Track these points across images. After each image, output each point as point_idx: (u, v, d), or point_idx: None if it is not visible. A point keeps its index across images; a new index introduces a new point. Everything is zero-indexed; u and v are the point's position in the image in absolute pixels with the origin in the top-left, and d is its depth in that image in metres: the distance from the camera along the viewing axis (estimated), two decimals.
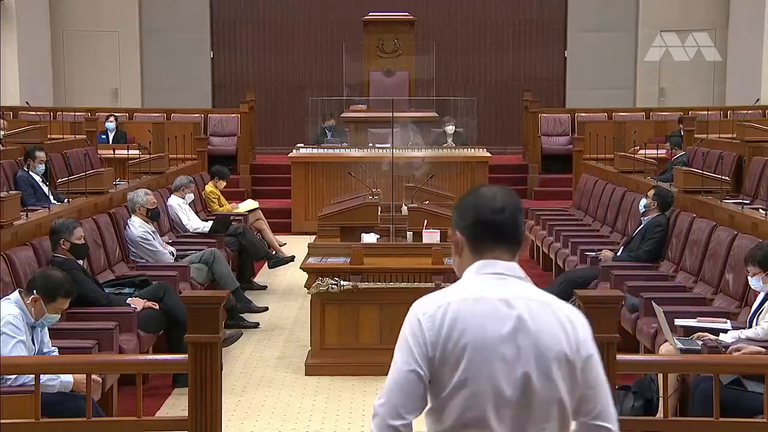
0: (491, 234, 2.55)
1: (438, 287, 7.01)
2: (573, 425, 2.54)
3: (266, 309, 9.14)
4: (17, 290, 5.40)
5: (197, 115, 17.43)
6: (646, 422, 4.87)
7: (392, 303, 7.10)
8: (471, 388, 2.46)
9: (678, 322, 6.26)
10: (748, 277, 5.93)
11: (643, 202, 8.59)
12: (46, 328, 5.43)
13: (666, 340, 5.99)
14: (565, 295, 8.32)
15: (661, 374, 4.63)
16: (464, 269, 2.59)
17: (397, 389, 2.56)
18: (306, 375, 7.15)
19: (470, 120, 16.15)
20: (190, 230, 10.08)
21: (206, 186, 11.70)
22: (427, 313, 2.51)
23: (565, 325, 2.52)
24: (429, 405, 2.54)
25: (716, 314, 6.48)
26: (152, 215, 8.67)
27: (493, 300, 2.50)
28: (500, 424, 2.45)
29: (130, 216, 8.60)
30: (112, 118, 15.68)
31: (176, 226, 10.18)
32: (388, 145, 13.33)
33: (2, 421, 4.15)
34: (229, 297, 7.93)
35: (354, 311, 7.16)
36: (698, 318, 6.35)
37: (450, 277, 7.02)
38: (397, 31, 17.09)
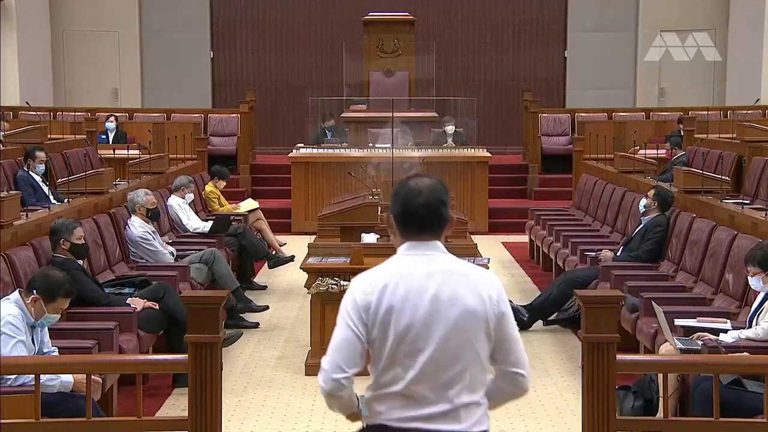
0: (415, 224, 3.08)
1: None
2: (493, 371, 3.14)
3: (266, 308, 9.14)
4: (17, 290, 5.40)
5: (197, 115, 17.45)
6: (646, 422, 4.87)
7: None
8: (400, 347, 3.01)
9: (678, 322, 6.26)
10: (748, 277, 5.93)
11: (644, 202, 8.60)
12: (46, 328, 5.43)
13: (666, 340, 5.99)
14: (565, 295, 8.38)
15: (661, 374, 4.62)
16: (397, 247, 3.13)
17: (341, 349, 3.03)
18: (306, 375, 7.14)
19: (470, 120, 16.15)
20: (190, 230, 10.08)
21: (206, 186, 11.70)
22: (362, 288, 3.05)
23: (480, 291, 3.04)
24: (371, 365, 3.07)
25: (716, 314, 6.48)
26: (152, 215, 8.67)
27: (417, 273, 3.03)
28: (422, 373, 2.99)
29: (130, 216, 8.60)
30: (112, 118, 15.68)
31: (176, 226, 10.18)
32: (388, 145, 13.36)
33: (2, 421, 4.15)
34: (229, 297, 7.93)
35: None
36: (698, 318, 6.35)
37: None
38: (397, 31, 17.09)
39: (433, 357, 3.01)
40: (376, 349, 3.04)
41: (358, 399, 3.10)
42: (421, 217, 3.06)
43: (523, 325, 8.43)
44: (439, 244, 3.09)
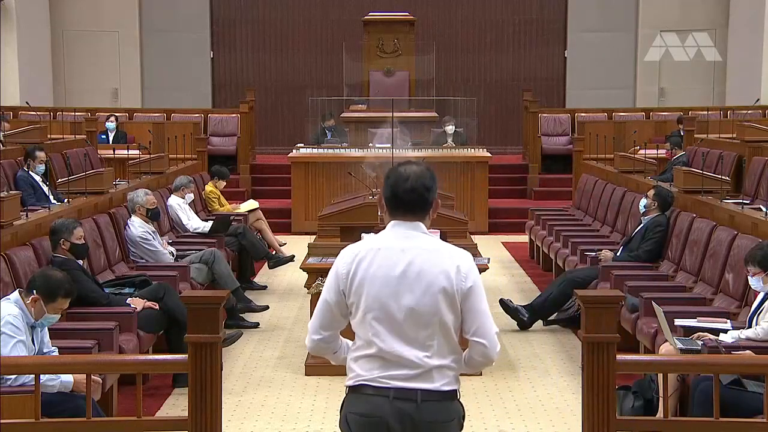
0: (402, 206, 3.45)
1: None
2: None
3: (267, 308, 9.14)
4: (17, 290, 5.39)
5: (197, 115, 17.45)
6: (646, 422, 4.87)
7: None
8: (372, 314, 3.38)
9: (678, 322, 6.26)
10: (748, 277, 5.93)
11: (644, 202, 8.60)
12: (46, 328, 5.43)
13: (666, 340, 5.99)
14: (565, 295, 8.38)
15: (661, 374, 4.62)
16: (387, 224, 3.48)
17: (319, 314, 3.49)
18: (306, 375, 7.15)
19: (470, 120, 16.16)
20: (190, 230, 10.08)
21: (206, 186, 11.70)
22: (344, 259, 3.45)
23: (448, 267, 3.38)
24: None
25: (716, 314, 6.48)
26: (152, 215, 8.67)
27: (394, 249, 3.41)
28: (394, 338, 3.36)
29: (130, 216, 8.60)
30: (112, 118, 15.69)
31: (176, 226, 10.18)
32: (388, 145, 13.36)
33: (2, 421, 4.15)
34: (229, 297, 7.94)
35: None
36: (698, 318, 6.35)
37: None
38: (397, 31, 17.09)
39: (403, 325, 3.37)
40: (353, 315, 3.44)
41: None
42: (406, 201, 3.44)
43: (523, 325, 8.44)
44: (420, 224, 3.46)
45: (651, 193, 8.58)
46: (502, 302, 8.54)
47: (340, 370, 6.79)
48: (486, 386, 6.87)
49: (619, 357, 4.09)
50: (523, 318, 8.44)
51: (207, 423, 4.09)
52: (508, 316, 8.48)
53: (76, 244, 6.75)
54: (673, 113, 16.97)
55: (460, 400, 3.46)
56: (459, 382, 3.45)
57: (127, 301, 6.90)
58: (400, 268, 3.39)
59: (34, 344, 5.25)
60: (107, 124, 15.55)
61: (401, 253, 3.40)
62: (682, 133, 14.04)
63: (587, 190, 11.83)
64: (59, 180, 10.02)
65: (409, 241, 3.43)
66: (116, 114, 16.18)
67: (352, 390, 3.43)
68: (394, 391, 3.36)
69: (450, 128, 15.15)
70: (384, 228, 3.51)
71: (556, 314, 8.59)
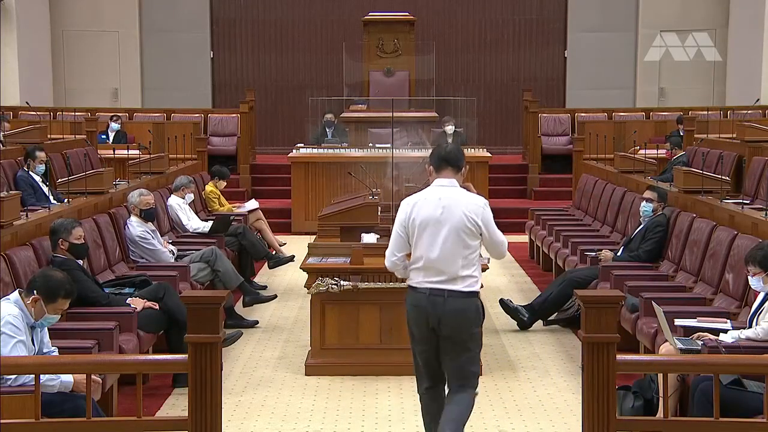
0: (443, 164, 5.21)
1: None
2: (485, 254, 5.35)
3: (275, 297, 9.22)
4: (17, 290, 5.39)
5: (197, 115, 17.45)
6: (646, 422, 4.87)
7: (392, 303, 7.10)
8: (421, 242, 5.13)
9: (678, 322, 6.26)
10: (748, 277, 5.92)
11: (649, 206, 8.50)
12: (46, 329, 5.43)
13: (666, 340, 5.99)
14: (565, 295, 8.38)
15: (661, 374, 4.62)
16: (432, 182, 5.20)
17: (393, 242, 5.25)
18: (306, 375, 7.14)
19: (470, 120, 16.16)
20: (191, 230, 10.08)
21: (206, 186, 11.69)
22: (405, 207, 5.23)
23: (471, 206, 5.14)
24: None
25: (716, 314, 6.48)
26: (146, 216, 8.63)
27: (434, 197, 5.17)
28: (434, 257, 5.09)
29: (130, 216, 8.60)
30: (117, 119, 15.70)
31: (176, 226, 10.18)
32: (388, 145, 13.36)
33: (2, 421, 4.15)
34: (229, 297, 7.95)
35: (354, 311, 7.16)
36: (698, 318, 6.35)
37: None
38: (397, 31, 17.09)
39: (441, 247, 5.09)
40: (411, 242, 5.18)
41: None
42: (446, 159, 5.21)
43: (523, 325, 8.44)
44: (454, 180, 5.20)
45: (653, 195, 8.54)
46: (502, 302, 8.54)
47: (340, 370, 6.77)
48: (486, 386, 6.87)
49: (619, 357, 4.09)
50: (523, 318, 8.44)
51: (207, 423, 4.09)
52: (508, 316, 8.48)
53: (75, 244, 6.75)
54: (673, 113, 16.97)
55: (480, 298, 5.20)
56: (479, 285, 5.17)
57: (127, 301, 6.89)
58: (438, 210, 5.11)
59: (34, 344, 5.24)
60: (112, 124, 15.57)
61: (438, 200, 5.13)
62: (681, 133, 14.03)
63: (587, 190, 11.83)
64: (59, 180, 10.02)
65: (445, 190, 5.17)
66: (119, 114, 16.19)
67: (410, 288, 5.21)
68: (429, 290, 5.10)
69: (450, 128, 15.15)
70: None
71: (555, 314, 8.59)
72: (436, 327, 5.09)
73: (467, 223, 5.07)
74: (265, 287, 10.36)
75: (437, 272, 5.08)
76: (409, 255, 5.23)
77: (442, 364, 5.19)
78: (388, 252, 5.25)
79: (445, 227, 5.07)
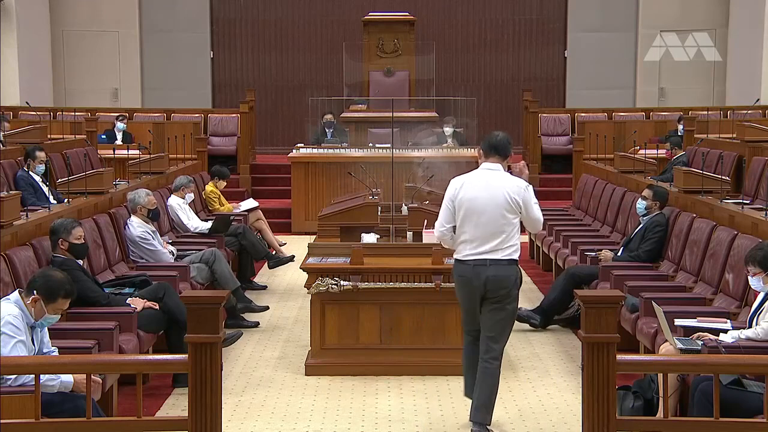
0: (491, 150, 5.95)
1: (438, 288, 7.02)
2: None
3: (267, 308, 9.14)
4: (17, 290, 5.39)
5: (197, 115, 17.44)
6: (646, 422, 4.87)
7: (392, 303, 7.11)
8: (467, 218, 5.84)
9: (678, 322, 6.26)
10: (748, 277, 5.92)
11: (643, 204, 8.55)
12: (46, 329, 5.43)
13: (666, 340, 5.99)
14: (567, 294, 8.37)
15: (661, 374, 4.62)
16: (480, 165, 5.92)
17: (443, 215, 5.92)
18: (306, 375, 7.15)
19: (470, 120, 16.16)
20: (191, 230, 10.08)
21: (206, 186, 11.70)
22: (453, 185, 5.93)
23: (512, 186, 5.85)
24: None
25: (716, 314, 6.48)
26: (153, 215, 8.67)
27: (480, 178, 5.90)
28: (478, 231, 5.80)
29: (130, 216, 8.60)
30: (123, 119, 15.71)
31: (176, 226, 10.18)
32: (388, 145, 13.37)
33: (2, 421, 4.15)
34: (230, 297, 7.94)
35: (354, 311, 7.17)
36: (698, 318, 6.35)
37: (449, 277, 7.04)
38: (397, 31, 17.09)
39: (484, 222, 5.79)
40: (457, 217, 5.86)
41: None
42: (494, 145, 5.93)
43: (536, 328, 8.42)
44: (500, 165, 5.92)
45: (649, 194, 8.56)
46: (520, 317, 8.52)
47: (340, 370, 6.77)
48: None
49: (619, 357, 4.09)
50: (536, 323, 8.42)
51: (207, 423, 4.09)
52: (520, 323, 8.45)
53: (74, 243, 6.75)
54: (673, 113, 16.97)
55: (519, 266, 5.99)
56: (518, 254, 5.88)
57: (127, 301, 6.89)
58: (483, 190, 5.82)
59: (34, 344, 5.24)
60: (118, 124, 15.57)
61: (484, 181, 5.86)
62: (679, 133, 14.01)
63: (587, 190, 11.83)
64: (59, 180, 10.02)
65: (490, 173, 5.89)
66: (124, 114, 16.20)
67: (456, 261, 5.93)
68: (474, 261, 5.82)
69: (449, 129, 15.15)
70: None
71: (556, 315, 8.59)
72: (481, 292, 5.84)
73: (509, 202, 5.77)
74: (265, 287, 10.36)
75: (480, 244, 5.80)
76: (454, 228, 5.89)
77: (481, 319, 5.93)
78: (437, 224, 5.95)
79: (488, 205, 5.78)
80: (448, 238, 5.94)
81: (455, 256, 5.92)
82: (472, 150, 14.31)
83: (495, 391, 5.91)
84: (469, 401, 6.04)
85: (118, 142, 15.13)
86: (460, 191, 5.85)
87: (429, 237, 7.60)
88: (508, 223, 5.79)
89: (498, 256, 5.79)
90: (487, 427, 5.88)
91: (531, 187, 5.92)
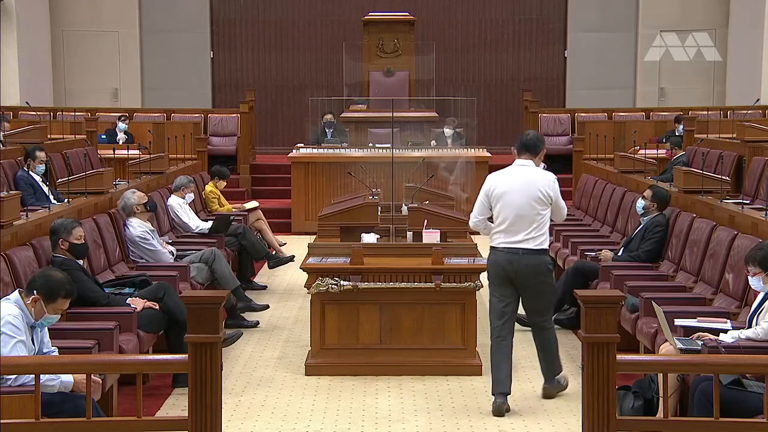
0: (523, 147, 6.52)
1: (438, 287, 7.03)
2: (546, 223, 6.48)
3: (267, 307, 9.15)
4: (17, 290, 5.39)
5: (197, 115, 17.45)
6: (646, 422, 4.87)
7: (392, 303, 7.11)
8: (503, 210, 6.39)
9: (678, 322, 6.26)
10: (749, 277, 5.92)
11: (641, 203, 8.55)
12: (46, 328, 5.43)
13: (666, 340, 5.99)
14: (569, 293, 8.35)
15: (661, 374, 4.62)
16: (514, 162, 6.47)
17: (477, 207, 6.52)
18: (306, 375, 7.15)
19: (470, 120, 16.16)
20: (191, 230, 10.08)
21: (206, 186, 11.69)
22: (489, 181, 6.50)
23: (543, 181, 6.44)
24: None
25: (716, 314, 6.48)
26: (150, 207, 8.64)
27: (515, 173, 6.46)
28: (512, 222, 6.35)
29: (130, 217, 8.59)
30: (125, 119, 15.71)
31: (176, 226, 10.18)
32: (388, 145, 13.36)
33: (2, 421, 4.15)
34: (230, 297, 7.93)
35: (354, 311, 7.17)
36: (698, 318, 6.35)
37: (449, 277, 7.07)
38: (397, 31, 17.10)
39: (518, 214, 6.35)
40: (493, 210, 6.45)
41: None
42: (525, 143, 6.52)
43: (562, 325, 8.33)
44: (531, 161, 6.49)
45: (648, 194, 8.56)
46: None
47: (340, 370, 6.78)
48: (486, 386, 6.86)
49: (619, 357, 4.09)
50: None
51: (207, 423, 4.09)
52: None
53: (75, 244, 6.75)
54: (673, 113, 16.98)
55: (550, 254, 6.81)
56: (548, 243, 6.49)
57: (127, 301, 6.89)
58: (517, 184, 6.39)
59: (34, 344, 5.24)
60: (119, 124, 15.57)
61: (519, 176, 6.44)
62: (677, 133, 13.99)
63: (587, 190, 11.83)
64: (59, 180, 10.02)
65: (523, 168, 6.48)
66: (125, 114, 16.20)
67: (491, 249, 6.47)
68: (507, 250, 6.36)
69: (448, 131, 15.15)
70: None
71: (555, 314, 8.57)
72: (513, 279, 6.40)
73: (541, 194, 6.34)
74: (265, 287, 10.36)
75: (513, 234, 6.35)
76: (490, 219, 6.50)
77: (522, 303, 6.61)
78: (471, 215, 6.56)
79: (522, 198, 6.33)
80: (482, 227, 6.57)
81: (491, 244, 6.48)
82: (473, 150, 14.34)
83: (557, 347, 6.73)
84: (469, 401, 6.01)
85: (121, 142, 15.12)
86: (495, 186, 6.41)
87: (429, 237, 7.61)
88: (538, 213, 6.34)
89: (530, 246, 6.33)
90: (556, 378, 6.71)
91: (557, 180, 6.57)
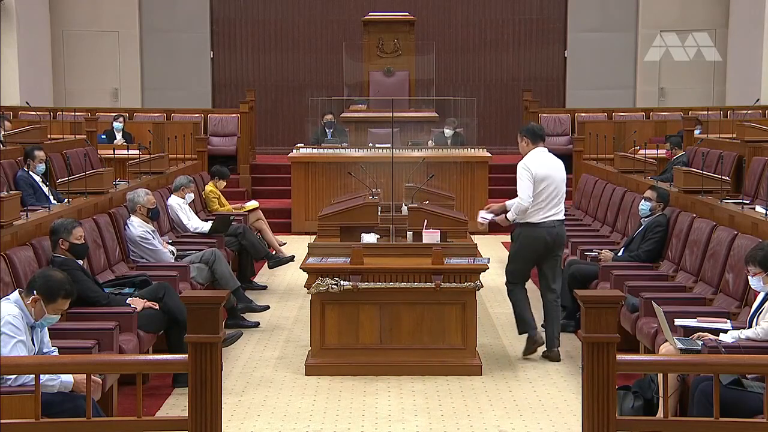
0: (539, 137, 7.63)
1: (438, 287, 7.02)
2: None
3: (267, 308, 9.15)
4: (17, 290, 5.39)
5: (197, 115, 17.45)
6: (646, 422, 4.87)
7: (392, 303, 7.11)
8: (546, 190, 7.51)
9: (678, 322, 6.26)
10: (749, 277, 5.92)
11: (647, 205, 8.51)
12: (46, 329, 5.43)
13: (666, 340, 5.99)
14: (569, 293, 8.35)
15: (661, 374, 4.62)
16: (527, 152, 7.59)
17: (528, 190, 7.46)
18: (306, 375, 7.15)
19: (470, 120, 16.16)
20: (191, 230, 10.08)
21: (206, 186, 11.70)
22: (528, 166, 7.51)
23: (563, 167, 7.71)
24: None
25: (716, 314, 6.48)
26: (152, 215, 8.67)
27: (547, 158, 7.61)
28: (551, 200, 7.55)
29: (130, 216, 8.60)
30: (120, 119, 15.71)
31: (176, 226, 10.18)
32: (388, 145, 13.36)
33: (2, 421, 4.15)
34: (230, 297, 7.93)
35: (354, 311, 7.17)
36: (698, 318, 6.35)
37: (449, 277, 7.07)
38: (397, 31, 17.10)
39: (553, 192, 7.50)
40: (535, 190, 7.41)
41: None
42: (539, 134, 7.61)
43: (574, 330, 8.32)
44: (545, 148, 7.62)
45: (653, 194, 8.54)
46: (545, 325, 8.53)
47: (340, 370, 6.79)
48: (486, 386, 6.87)
49: (619, 357, 4.09)
50: (572, 327, 8.31)
51: (207, 423, 4.09)
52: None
53: (75, 243, 6.75)
54: (673, 113, 16.97)
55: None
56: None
57: (127, 301, 6.89)
58: (550, 168, 7.53)
59: (33, 344, 5.24)
60: (115, 124, 15.57)
61: (549, 160, 7.58)
62: (699, 132, 13.76)
63: (587, 190, 11.83)
64: (59, 180, 10.01)
65: (548, 154, 7.61)
66: (123, 114, 16.20)
67: (528, 225, 7.52)
68: (545, 223, 7.52)
69: (448, 131, 15.15)
70: None
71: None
72: (550, 249, 7.54)
73: (564, 174, 7.61)
74: (265, 287, 10.37)
75: (549, 209, 7.49)
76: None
77: (545, 269, 7.64)
78: (525, 196, 7.40)
79: (555, 178, 7.49)
80: (528, 206, 7.44)
81: (527, 220, 7.45)
82: (473, 150, 14.34)
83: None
84: (469, 401, 6.01)
85: (118, 141, 15.12)
86: (537, 170, 7.43)
87: (429, 237, 7.61)
88: (563, 190, 7.59)
89: (560, 217, 7.58)
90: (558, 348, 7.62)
91: None
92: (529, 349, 7.65)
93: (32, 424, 4.17)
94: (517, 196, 7.50)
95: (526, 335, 7.70)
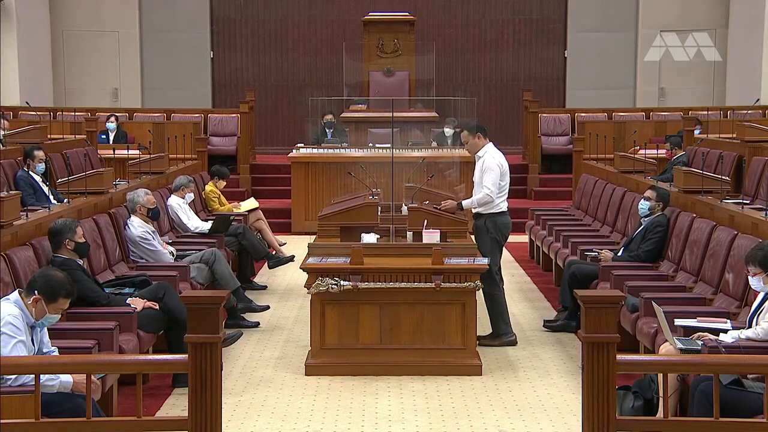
0: (487, 132, 8.13)
1: (438, 287, 7.02)
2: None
3: (267, 308, 9.15)
4: (17, 290, 5.39)
5: (197, 115, 17.45)
6: (646, 422, 4.87)
7: (392, 303, 7.11)
8: (508, 183, 8.14)
9: (678, 322, 6.26)
10: (749, 277, 5.92)
11: (647, 204, 8.51)
12: (46, 328, 5.43)
13: (666, 340, 5.99)
14: (569, 293, 8.36)
15: (661, 374, 4.62)
16: (482, 146, 8.10)
17: (496, 185, 7.98)
18: (306, 375, 7.15)
19: (470, 120, 16.13)
20: (191, 230, 10.07)
21: (206, 186, 11.70)
22: (500, 162, 8.03)
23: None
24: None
25: (716, 314, 6.48)
26: (152, 214, 8.67)
27: (499, 153, 8.12)
28: (507, 190, 8.12)
29: (130, 216, 8.60)
30: (113, 119, 15.69)
31: (176, 226, 10.18)
32: (388, 145, 13.36)
33: (2, 421, 4.15)
34: (230, 297, 7.93)
35: (354, 311, 7.17)
36: (698, 318, 6.35)
37: (449, 277, 7.07)
38: (397, 31, 17.09)
39: (507, 183, 8.08)
40: (500, 183, 8.02)
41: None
42: (485, 130, 8.07)
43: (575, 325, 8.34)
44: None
45: (653, 194, 8.54)
46: (546, 324, 8.51)
47: (340, 370, 6.78)
48: (486, 386, 6.87)
49: (619, 357, 4.09)
50: (572, 324, 8.33)
51: (207, 423, 4.09)
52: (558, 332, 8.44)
53: (79, 242, 6.76)
54: (673, 113, 16.97)
55: None
56: None
57: (127, 301, 6.89)
58: (505, 161, 8.07)
59: (33, 344, 5.24)
60: (108, 124, 15.55)
61: (502, 155, 8.08)
62: (698, 133, 13.74)
63: (587, 190, 11.83)
64: (59, 180, 10.01)
65: (498, 150, 8.14)
66: (116, 114, 16.19)
67: (501, 213, 8.03)
68: (508, 212, 8.09)
69: (449, 131, 15.15)
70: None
71: (555, 314, 8.58)
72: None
73: None
74: (265, 287, 10.37)
75: (506, 199, 8.10)
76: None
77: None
78: (493, 188, 7.91)
79: (508, 171, 8.12)
80: (494, 198, 7.96)
81: (499, 209, 8.01)
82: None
83: None
84: (469, 401, 6.02)
85: (110, 142, 15.11)
86: (504, 164, 8.03)
87: (429, 237, 7.61)
88: None
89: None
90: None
91: None
92: (497, 344, 7.99)
93: (32, 424, 4.17)
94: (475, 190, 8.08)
95: (502, 336, 8.07)
